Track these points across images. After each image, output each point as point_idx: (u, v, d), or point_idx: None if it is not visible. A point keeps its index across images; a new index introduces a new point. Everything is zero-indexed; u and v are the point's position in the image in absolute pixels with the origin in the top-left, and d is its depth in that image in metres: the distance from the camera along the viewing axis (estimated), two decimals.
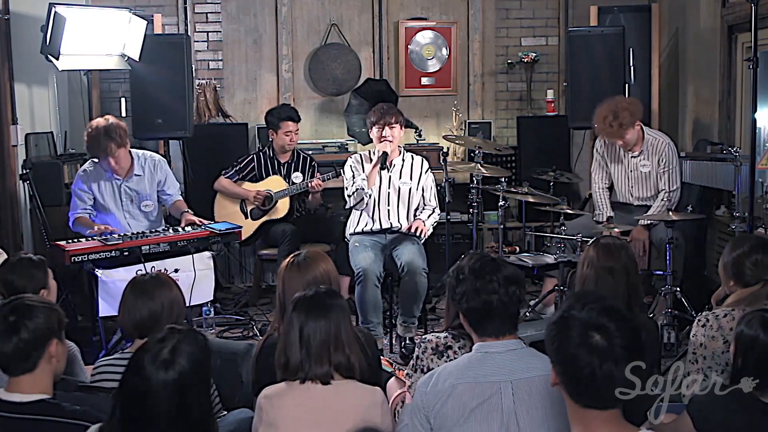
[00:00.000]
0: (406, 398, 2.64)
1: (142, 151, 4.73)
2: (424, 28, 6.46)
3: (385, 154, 4.58)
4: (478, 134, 6.10)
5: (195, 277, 4.14)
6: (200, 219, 4.55)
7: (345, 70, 6.39)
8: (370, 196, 4.60)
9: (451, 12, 6.55)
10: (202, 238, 4.30)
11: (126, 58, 5.08)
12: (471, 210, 4.95)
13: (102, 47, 4.99)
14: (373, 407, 2.30)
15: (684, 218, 4.43)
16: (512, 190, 5.02)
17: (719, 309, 2.86)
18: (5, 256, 3.64)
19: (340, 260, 4.47)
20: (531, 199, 5.00)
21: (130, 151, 4.61)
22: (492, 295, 2.25)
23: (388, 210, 4.68)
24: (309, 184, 5.06)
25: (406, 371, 2.74)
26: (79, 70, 5.23)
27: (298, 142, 5.36)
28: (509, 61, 6.57)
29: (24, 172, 4.94)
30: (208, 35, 6.38)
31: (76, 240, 4.15)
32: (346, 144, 6.17)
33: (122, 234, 4.26)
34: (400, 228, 4.67)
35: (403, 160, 4.75)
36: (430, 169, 4.81)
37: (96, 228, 4.32)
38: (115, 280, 3.92)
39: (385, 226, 4.67)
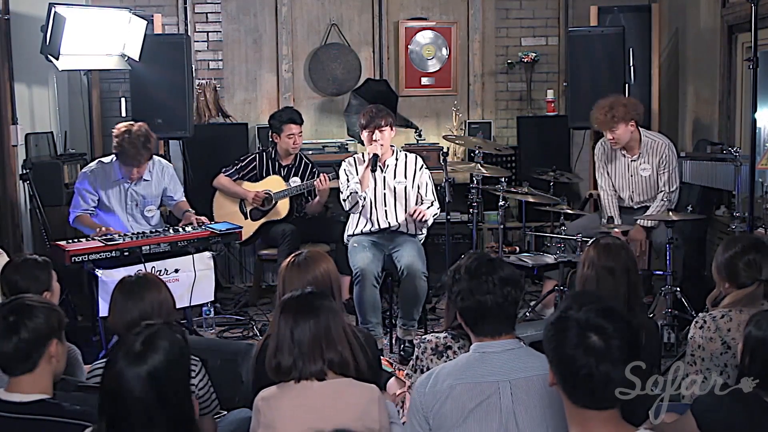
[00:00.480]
0: (405, 398, 2.64)
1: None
2: (424, 28, 6.46)
3: (375, 156, 4.56)
4: (478, 134, 6.10)
5: (195, 277, 4.14)
6: (201, 219, 4.55)
7: (345, 70, 6.39)
8: (364, 198, 4.59)
9: (451, 12, 6.55)
10: (203, 238, 4.30)
11: (126, 58, 5.08)
12: (471, 210, 4.95)
13: (102, 47, 4.99)
14: (371, 404, 2.30)
15: (684, 218, 4.43)
16: (512, 190, 5.02)
17: (716, 310, 2.85)
18: (5, 257, 3.64)
19: (340, 260, 4.47)
20: (531, 199, 5.00)
21: None
22: (486, 295, 2.25)
23: (385, 210, 4.67)
24: (317, 181, 5.02)
25: (405, 371, 2.74)
26: (79, 70, 5.23)
27: None
28: (509, 61, 6.57)
29: (24, 172, 4.94)
30: (208, 35, 6.38)
31: (76, 240, 4.15)
32: (346, 144, 6.16)
33: (123, 234, 4.26)
34: (398, 228, 4.66)
35: (397, 159, 4.72)
36: (424, 166, 4.77)
37: (98, 230, 4.32)
38: (115, 280, 3.86)
39: (383, 226, 4.66)
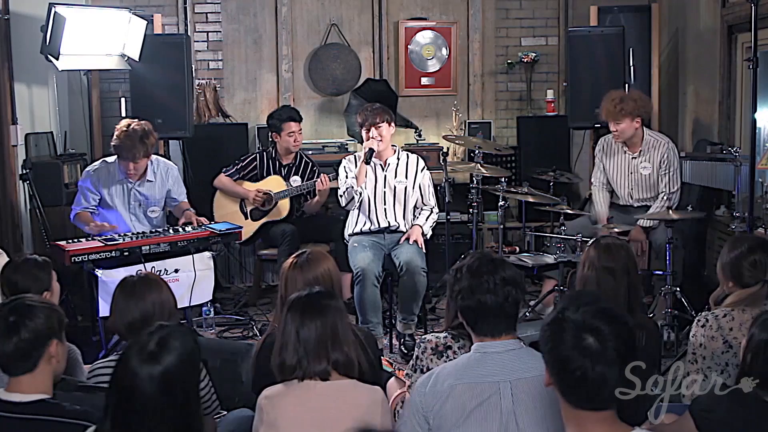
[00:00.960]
0: (405, 398, 2.64)
1: (156, 157, 4.72)
2: (424, 28, 6.46)
3: (371, 150, 4.58)
4: (478, 134, 6.10)
5: (195, 277, 4.14)
6: (201, 219, 4.55)
7: (345, 70, 6.39)
8: (360, 193, 4.61)
9: (451, 12, 6.55)
10: (202, 238, 4.30)
11: (126, 58, 5.08)
12: (471, 210, 4.95)
13: (102, 47, 4.98)
14: (374, 406, 2.30)
15: (684, 217, 4.43)
16: (512, 190, 5.02)
17: (719, 309, 2.86)
18: (5, 257, 3.64)
19: (340, 258, 4.47)
20: (531, 199, 5.00)
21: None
22: (486, 294, 2.25)
23: (385, 209, 4.68)
24: (318, 181, 5.02)
25: (405, 371, 2.74)
26: (79, 70, 5.23)
27: None
28: (509, 61, 6.57)
29: (24, 172, 4.94)
30: (208, 35, 6.38)
31: (76, 240, 4.15)
32: (346, 144, 6.16)
33: (122, 234, 4.26)
34: (398, 227, 4.67)
35: (398, 159, 4.74)
36: (426, 168, 4.79)
37: (93, 225, 4.32)
38: (115, 280, 3.86)
39: (383, 225, 4.67)
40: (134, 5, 5.72)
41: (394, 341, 4.66)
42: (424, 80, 6.52)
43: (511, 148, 5.86)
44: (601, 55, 5.66)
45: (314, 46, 6.43)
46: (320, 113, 6.50)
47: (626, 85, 5.64)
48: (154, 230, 4.39)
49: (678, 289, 4.44)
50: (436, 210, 4.76)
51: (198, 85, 6.07)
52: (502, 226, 5.17)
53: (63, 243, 4.06)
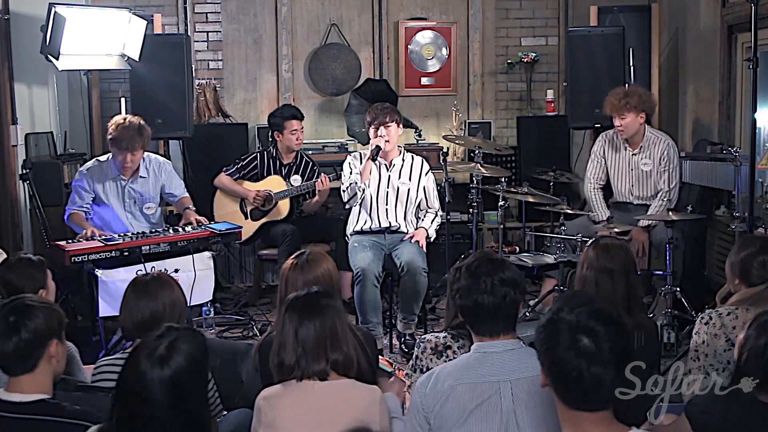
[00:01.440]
0: (405, 398, 2.64)
1: (147, 154, 4.72)
2: (424, 28, 6.46)
3: (378, 147, 4.58)
4: (478, 134, 6.10)
5: (195, 277, 4.14)
6: (201, 219, 4.55)
7: (345, 70, 6.39)
8: (363, 190, 4.61)
9: (451, 12, 6.55)
10: (202, 238, 4.31)
11: (126, 58, 5.08)
12: (471, 210, 4.95)
13: (102, 47, 4.99)
14: (372, 406, 2.30)
15: (684, 218, 4.43)
16: (512, 190, 5.02)
17: (723, 307, 2.86)
18: (5, 257, 3.64)
19: (340, 257, 4.49)
20: (531, 199, 5.00)
21: None
22: (483, 295, 2.24)
23: (387, 209, 4.69)
24: (318, 182, 5.02)
25: (405, 371, 2.74)
26: (79, 70, 5.23)
27: None
28: (509, 61, 6.57)
29: (24, 172, 4.94)
30: (208, 35, 6.38)
31: (76, 240, 4.15)
32: (346, 144, 6.16)
33: (122, 234, 4.26)
34: (399, 228, 4.67)
35: (403, 160, 4.75)
36: (431, 171, 4.81)
37: (84, 232, 4.29)
38: (115, 280, 3.92)
39: (384, 225, 4.67)
40: (134, 5, 5.71)
41: (394, 341, 4.67)
42: (424, 80, 6.52)
43: (511, 148, 5.86)
44: (601, 55, 5.66)
45: (314, 46, 6.43)
46: (320, 113, 6.50)
47: (626, 85, 5.63)
48: (153, 230, 4.39)
49: (678, 289, 4.44)
50: (440, 213, 4.77)
51: (198, 85, 6.07)
52: (502, 226, 5.17)
53: (63, 243, 4.07)
